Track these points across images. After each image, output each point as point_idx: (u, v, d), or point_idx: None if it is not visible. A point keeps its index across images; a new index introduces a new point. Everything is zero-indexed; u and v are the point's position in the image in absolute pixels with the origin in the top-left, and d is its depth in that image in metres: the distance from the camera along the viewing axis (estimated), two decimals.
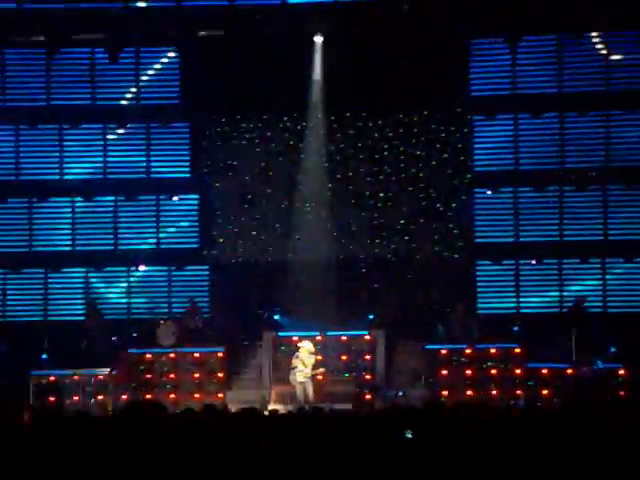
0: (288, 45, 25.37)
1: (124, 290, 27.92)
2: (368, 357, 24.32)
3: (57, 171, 27.91)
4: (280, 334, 24.52)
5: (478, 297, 27.32)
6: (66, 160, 27.86)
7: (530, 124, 27.27)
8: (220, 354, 24.42)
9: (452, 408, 11.83)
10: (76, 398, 23.71)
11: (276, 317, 25.31)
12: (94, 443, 9.83)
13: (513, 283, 27.46)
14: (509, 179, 27.41)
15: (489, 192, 27.42)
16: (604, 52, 26.78)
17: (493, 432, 10.10)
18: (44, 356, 24.69)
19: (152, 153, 27.89)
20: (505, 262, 27.38)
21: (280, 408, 20.67)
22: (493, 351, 23.92)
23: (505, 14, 25.43)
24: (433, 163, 27.14)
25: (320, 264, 26.43)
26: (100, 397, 23.72)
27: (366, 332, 24.51)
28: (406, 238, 27.11)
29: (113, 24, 25.89)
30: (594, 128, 27.14)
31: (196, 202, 27.85)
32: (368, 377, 24.18)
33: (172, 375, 24.28)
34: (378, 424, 10.67)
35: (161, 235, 27.82)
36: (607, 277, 27.17)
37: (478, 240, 27.49)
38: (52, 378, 23.98)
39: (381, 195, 27.20)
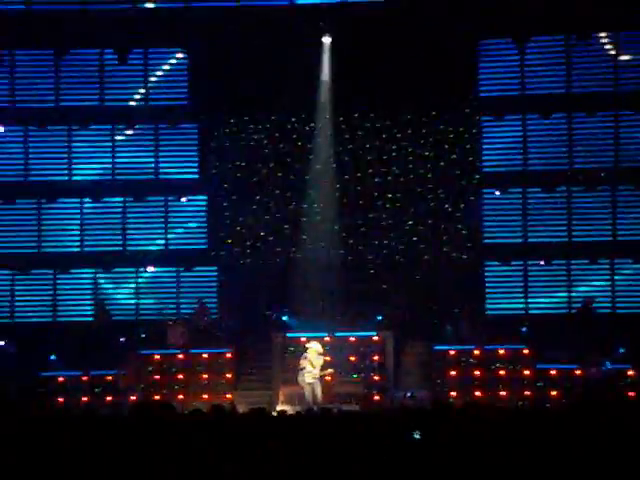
0: (296, 46, 25.35)
1: (133, 291, 27.94)
2: (376, 358, 24.31)
3: (66, 172, 27.94)
4: (288, 335, 24.51)
5: (486, 298, 27.28)
6: (75, 161, 27.90)
7: (539, 124, 27.22)
8: (228, 355, 24.43)
9: (460, 409, 11.82)
10: (85, 399, 23.75)
11: (284, 318, 25.31)
12: (103, 443, 9.85)
13: (522, 284, 27.41)
14: (518, 180, 27.37)
15: (497, 193, 27.39)
16: (613, 52, 26.73)
17: (501, 432, 10.09)
18: (53, 357, 24.73)
19: (160, 154, 27.91)
20: (514, 263, 27.34)
21: (288, 409, 20.68)
22: (502, 352, 23.90)
23: (513, 15, 25.41)
24: (441, 164, 27.12)
25: (328, 265, 26.44)
26: (109, 398, 23.76)
27: (374, 333, 24.50)
28: (414, 239, 27.08)
29: (122, 25, 25.93)
30: (603, 128, 27.09)
31: (204, 203, 27.86)
32: (376, 378, 24.16)
33: (181, 376, 24.30)
34: (386, 425, 10.66)
35: (175, 232, 27.83)
36: (616, 278, 27.11)
37: (486, 241, 27.46)
38: (61, 379, 24.04)
39: (389, 196, 27.18)
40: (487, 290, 27.41)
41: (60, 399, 23.68)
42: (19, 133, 27.83)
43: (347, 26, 25.56)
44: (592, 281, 27.09)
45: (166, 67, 27.70)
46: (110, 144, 27.90)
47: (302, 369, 22.73)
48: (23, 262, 27.75)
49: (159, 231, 27.99)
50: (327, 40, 26.14)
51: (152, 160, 27.93)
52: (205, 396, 23.90)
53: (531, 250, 27.28)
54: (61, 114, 27.56)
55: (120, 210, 27.99)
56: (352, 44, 25.63)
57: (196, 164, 27.84)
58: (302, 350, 23.26)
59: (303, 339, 23.87)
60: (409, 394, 23.26)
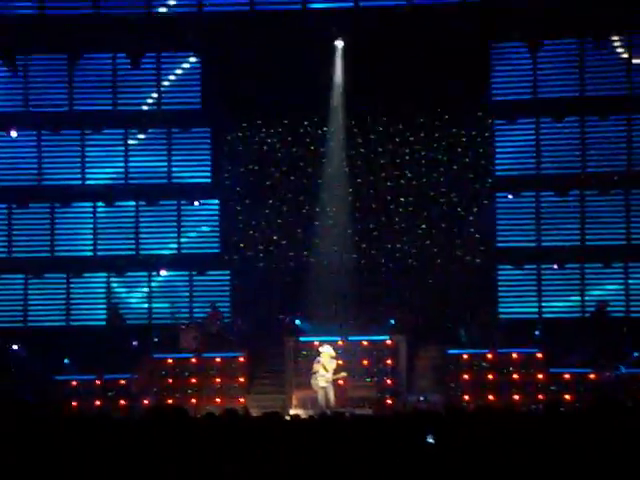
0: (309, 50, 25.36)
1: (146, 295, 27.98)
2: (389, 362, 24.29)
3: (79, 176, 28.02)
4: (301, 339, 24.51)
5: (500, 302, 27.24)
6: (88, 165, 27.98)
7: (551, 128, 27.19)
8: (241, 359, 24.45)
9: (474, 413, 11.80)
10: (98, 402, 23.79)
11: (297, 322, 25.31)
12: (116, 447, 9.86)
13: (535, 288, 27.36)
14: (530, 183, 27.34)
15: (510, 196, 27.36)
16: (626, 55, 26.68)
17: (515, 437, 10.06)
18: (66, 361, 24.79)
19: (173, 158, 27.96)
20: (527, 266, 27.29)
21: (301, 413, 20.67)
22: (515, 356, 23.86)
23: (526, 18, 25.38)
24: (454, 167, 27.11)
25: (341, 269, 26.44)
26: (122, 402, 23.80)
27: (387, 337, 24.48)
28: (427, 242, 27.07)
29: (135, 30, 25.99)
30: (616, 132, 27.04)
31: (217, 207, 27.89)
32: (389, 382, 24.15)
33: (194, 380, 24.32)
34: (399, 429, 10.64)
35: (188, 236, 27.88)
36: (629, 281, 27.05)
37: (499, 244, 27.42)
38: (74, 383, 24.09)
39: (402, 200, 27.18)
40: (500, 294, 27.37)
41: (73, 403, 23.71)
42: (33, 137, 27.92)
43: (360, 30, 25.57)
44: (606, 285, 27.03)
45: (179, 71, 27.75)
46: (123, 148, 27.97)
47: (315, 373, 22.74)
48: (36, 266, 27.82)
49: (172, 235, 28.03)
50: (340, 44, 26.16)
51: (165, 164, 27.98)
52: (218, 400, 23.92)
53: (544, 254, 27.23)
54: (74, 118, 27.64)
55: (133, 214, 28.05)
56: (365, 48, 25.63)
57: (209, 168, 27.88)
58: (315, 354, 23.26)
59: (316, 343, 23.86)
60: (422, 398, 23.23)
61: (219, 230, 27.89)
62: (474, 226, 27.10)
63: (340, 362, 23.19)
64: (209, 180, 27.84)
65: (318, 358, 22.90)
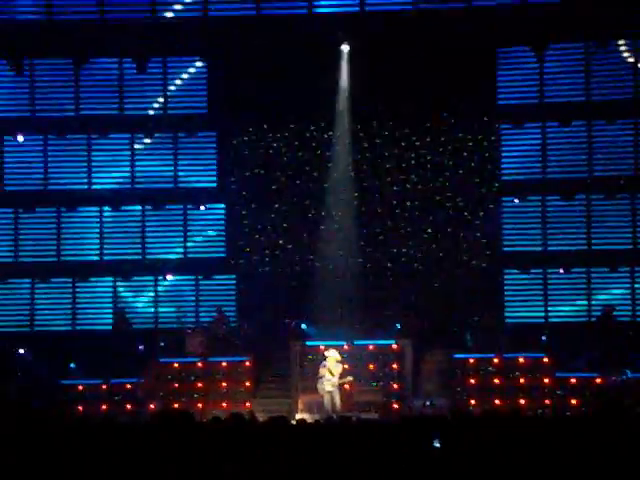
0: (315, 54, 25.37)
1: (152, 299, 28.00)
2: (395, 366, 24.26)
3: (85, 181, 28.04)
4: (307, 343, 24.50)
5: (506, 306, 27.22)
6: (94, 170, 28.00)
7: (558, 132, 27.17)
8: (247, 363, 24.44)
9: (480, 417, 11.79)
10: (104, 407, 23.80)
11: (303, 326, 25.30)
12: (122, 451, 9.87)
13: (541, 292, 27.34)
14: (537, 188, 27.32)
15: (517, 201, 27.34)
16: (632, 60, 26.66)
17: (521, 441, 10.05)
18: (72, 365, 24.80)
19: (179, 163, 27.98)
20: (533, 271, 27.27)
21: (307, 417, 20.66)
22: (521, 360, 23.83)
23: (532, 23, 25.38)
24: (460, 172, 27.09)
25: (347, 273, 26.44)
26: (128, 406, 23.82)
27: (393, 341, 24.45)
28: (433, 247, 27.05)
29: (141, 34, 26.03)
30: (622, 136, 27.02)
31: (223, 211, 27.91)
32: (395, 386, 24.12)
33: (200, 384, 24.31)
34: (406, 433, 10.64)
35: (194, 240, 27.90)
36: (636, 286, 27.01)
37: (506, 249, 27.41)
38: (80, 387, 24.10)
39: (408, 204, 27.17)
40: (506, 298, 27.34)
41: (80, 407, 23.72)
42: (39, 142, 27.95)
43: (365, 34, 25.59)
44: (612, 289, 27.00)
45: (185, 76, 27.78)
46: (129, 153, 28.00)
47: (321, 377, 22.73)
48: (43, 271, 27.85)
49: (178, 239, 28.05)
50: (345, 48, 26.18)
51: (171, 169, 28.00)
52: (224, 404, 23.91)
53: (550, 258, 27.21)
54: (80, 123, 27.66)
55: (139, 219, 28.07)
56: (370, 52, 25.63)
57: (215, 172, 27.89)
58: (321, 358, 23.25)
59: (322, 347, 23.85)
60: (428, 402, 23.22)
61: (225, 234, 27.89)
62: (480, 230, 27.08)
63: (346, 366, 23.19)
64: (215, 184, 27.85)
65: (324, 362, 22.89)
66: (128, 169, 28.02)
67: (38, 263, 27.93)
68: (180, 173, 27.97)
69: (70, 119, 27.70)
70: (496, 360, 23.89)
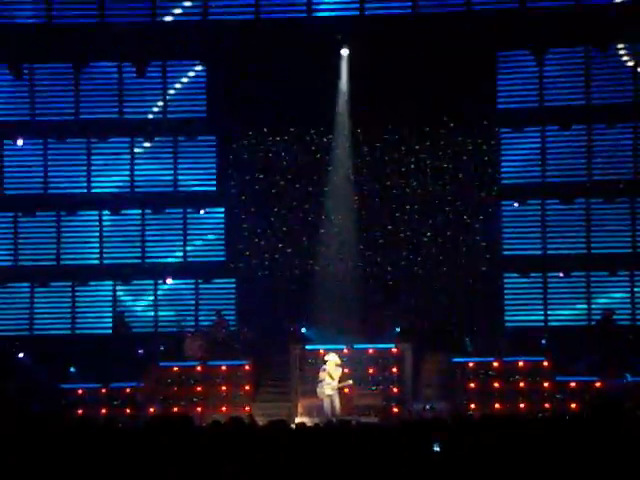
0: (314, 58, 25.39)
1: (151, 303, 27.99)
2: (395, 370, 24.25)
3: (85, 184, 28.04)
4: (307, 347, 24.49)
5: (505, 310, 27.22)
6: (94, 174, 28.01)
7: (558, 136, 27.19)
8: (247, 367, 24.43)
9: (480, 421, 11.78)
10: (104, 411, 23.78)
11: (303, 330, 25.30)
12: (121, 455, 9.86)
13: (541, 296, 27.34)
14: (536, 192, 27.32)
15: (516, 204, 27.35)
16: (631, 63, 26.67)
17: (521, 445, 10.05)
18: (72, 369, 24.80)
19: (179, 166, 27.99)
20: (532, 275, 27.27)
21: (307, 421, 20.65)
22: (521, 364, 23.81)
23: (532, 27, 25.40)
24: (460, 176, 27.10)
25: (347, 277, 26.44)
26: (128, 410, 23.81)
27: (393, 345, 24.45)
28: (433, 251, 27.05)
29: (140, 38, 26.04)
30: (622, 140, 27.03)
31: (222, 215, 27.91)
32: (395, 390, 24.11)
33: (199, 388, 24.30)
34: (405, 437, 10.63)
35: (194, 244, 27.91)
36: (635, 289, 27.02)
37: (505, 253, 27.41)
38: (80, 391, 24.09)
39: (408, 208, 27.17)
40: (506, 302, 27.34)
41: (79, 411, 23.70)
42: (39, 146, 27.95)
43: (365, 38, 25.60)
44: (612, 293, 27.00)
45: (184, 80, 27.79)
46: (129, 157, 28.00)
47: (321, 381, 22.72)
48: (42, 274, 27.84)
49: (178, 243, 28.05)
50: (345, 52, 26.19)
51: (171, 172, 28.01)
52: (224, 408, 23.88)
53: (550, 262, 27.21)
54: (80, 127, 27.67)
55: (139, 222, 28.07)
56: (370, 56, 25.64)
57: (214, 176, 27.90)
58: (321, 362, 23.24)
59: (321, 351, 23.84)
60: (428, 406, 23.20)
61: (225, 238, 27.90)
62: (480, 234, 27.09)
63: (346, 370, 23.18)
64: (215, 188, 27.85)
65: (324, 366, 22.88)
66: (128, 173, 28.02)
67: (38, 267, 27.92)
68: (180, 177, 27.97)
69: (70, 123, 27.71)
70: (496, 364, 23.88)
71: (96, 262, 28.04)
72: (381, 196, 27.21)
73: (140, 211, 27.98)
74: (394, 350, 24.39)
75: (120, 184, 28.00)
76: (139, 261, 28.00)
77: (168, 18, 26.75)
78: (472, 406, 23.55)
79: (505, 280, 27.43)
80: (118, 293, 28.02)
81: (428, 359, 24.96)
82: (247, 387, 24.30)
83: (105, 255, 28.02)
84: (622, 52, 26.66)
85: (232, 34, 26.10)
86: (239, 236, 27.50)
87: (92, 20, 26.63)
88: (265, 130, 27.31)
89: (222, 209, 27.86)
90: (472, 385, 23.82)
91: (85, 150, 27.97)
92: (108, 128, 27.64)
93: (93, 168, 28.00)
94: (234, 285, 27.84)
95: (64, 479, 9.60)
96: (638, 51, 26.63)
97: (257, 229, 27.41)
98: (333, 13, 26.36)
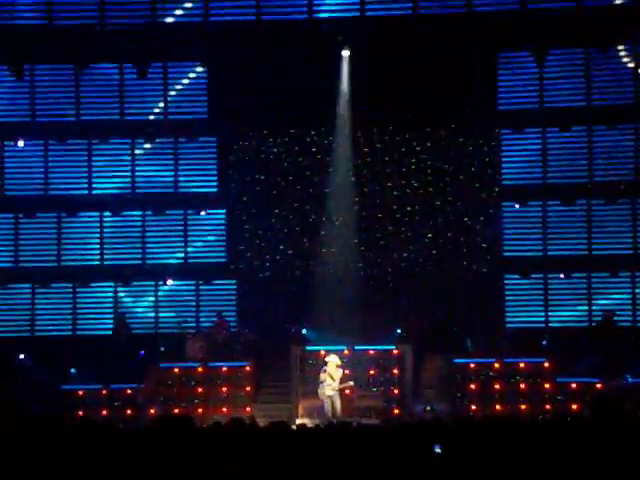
0: (315, 59, 25.39)
1: (152, 304, 28.00)
2: (396, 371, 24.25)
3: (86, 186, 28.05)
4: (307, 348, 24.49)
5: (506, 311, 27.22)
6: (95, 175, 28.00)
7: (558, 137, 27.18)
8: (248, 368, 24.43)
9: (480, 422, 11.78)
10: (104, 412, 23.79)
11: (303, 331, 25.29)
12: (122, 456, 9.86)
13: (542, 297, 27.34)
14: (537, 192, 27.33)
15: (517, 206, 27.35)
16: (631, 65, 26.67)
17: (522, 446, 10.04)
18: (73, 370, 24.80)
19: (180, 168, 28.00)
20: (533, 276, 27.27)
21: (308, 422, 20.64)
22: (522, 365, 23.82)
23: (532, 28, 25.40)
24: (461, 177, 27.10)
25: (347, 278, 26.43)
26: (128, 411, 23.81)
27: (393, 346, 24.45)
28: (434, 252, 27.05)
29: (141, 40, 26.04)
30: (623, 141, 27.03)
31: (223, 216, 27.91)
32: (396, 391, 24.11)
33: (200, 389, 24.30)
34: (406, 439, 10.63)
35: (194, 245, 27.91)
36: (637, 291, 27.01)
37: (506, 254, 27.41)
38: (80, 392, 24.09)
39: (408, 209, 27.17)
40: (507, 303, 27.35)
41: (80, 412, 23.71)
42: (39, 147, 27.96)
43: (366, 39, 25.60)
44: (612, 294, 26.99)
45: (185, 81, 27.79)
46: (129, 158, 28.00)
47: (322, 382, 22.72)
48: (43, 276, 27.84)
49: (178, 244, 28.05)
50: (346, 53, 26.19)
51: (171, 174, 28.01)
52: (224, 409, 23.89)
53: (551, 263, 27.21)
54: (81, 128, 27.68)
55: (139, 224, 28.07)
56: (371, 57, 25.65)
57: (215, 178, 27.90)
58: (321, 363, 23.24)
59: (322, 352, 23.85)
60: (429, 407, 23.20)
61: (225, 239, 27.90)
62: (480, 235, 27.09)
63: (347, 371, 23.18)
64: (215, 189, 27.86)
65: (325, 367, 22.88)
66: (128, 174, 28.02)
67: (38, 268, 27.93)
68: (180, 178, 27.97)
69: (71, 124, 27.71)
70: (497, 365, 23.88)
71: (97, 263, 28.04)
72: (382, 197, 27.21)
73: (141, 212, 27.99)
74: (395, 351, 24.39)
75: (121, 185, 28.00)
76: (140, 262, 28.00)
77: (169, 19, 26.76)
78: (473, 407, 23.55)
79: (506, 281, 27.44)
80: (119, 294, 28.03)
81: (429, 360, 24.94)
82: (248, 388, 24.30)
83: (106, 256, 28.02)
84: (622, 53, 26.65)
85: (233, 35, 26.11)
86: (240, 237, 27.50)
87: (93, 21, 26.63)
88: (266, 131, 27.32)
89: (223, 210, 27.86)
90: (473, 386, 23.82)
91: (86, 151, 27.97)
92: (109, 129, 27.64)
93: (94, 169, 28.00)
94: (235, 286, 27.84)
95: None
96: (638, 52, 26.62)
97: (258, 230, 27.41)
98: (334, 14, 26.36)
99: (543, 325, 27.02)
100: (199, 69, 27.62)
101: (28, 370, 25.15)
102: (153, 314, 27.97)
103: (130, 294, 28.05)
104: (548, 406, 23.35)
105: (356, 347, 24.21)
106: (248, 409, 23.77)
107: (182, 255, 27.98)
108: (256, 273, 27.36)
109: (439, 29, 25.41)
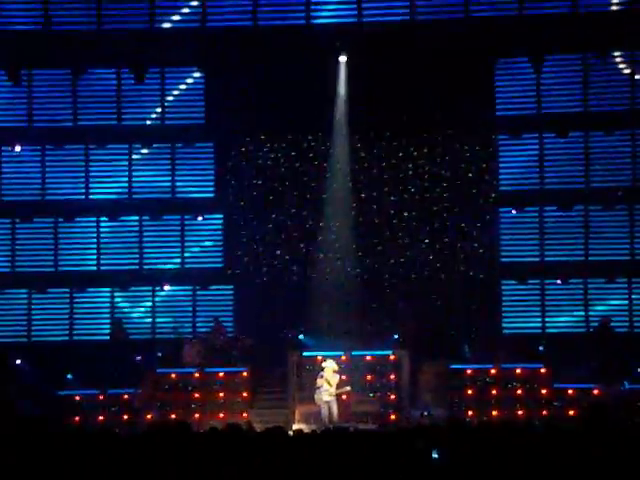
0: (312, 65, 25.41)
1: (149, 309, 27.98)
2: (392, 377, 24.24)
3: (83, 191, 28.02)
4: (304, 354, 24.47)
5: (503, 317, 27.22)
6: (92, 180, 27.98)
7: (555, 143, 27.20)
8: (244, 373, 24.42)
9: (477, 428, 11.78)
10: (101, 417, 23.77)
11: (300, 337, 25.29)
12: (119, 462, 9.85)
13: (538, 303, 27.34)
14: (534, 198, 27.34)
15: (514, 211, 27.36)
16: (629, 71, 26.72)
17: (518, 452, 10.04)
18: (69, 376, 24.78)
19: (177, 173, 27.99)
20: (530, 281, 27.27)
21: (304, 428, 20.64)
22: (519, 371, 23.82)
23: (530, 34, 25.44)
24: (458, 182, 27.11)
25: (344, 283, 26.43)
26: (125, 417, 23.80)
27: (390, 352, 24.44)
28: (431, 257, 27.05)
29: (139, 45, 26.06)
30: (620, 147, 27.06)
31: (220, 222, 27.91)
32: (392, 397, 24.10)
33: (197, 394, 24.28)
34: (403, 444, 10.62)
35: (192, 251, 27.91)
36: (633, 297, 27.01)
37: (503, 259, 27.41)
38: (77, 397, 24.07)
39: (405, 214, 27.18)
40: (504, 309, 27.34)
41: (77, 418, 23.70)
42: (36, 152, 27.95)
43: (363, 45, 25.62)
44: (609, 300, 27.00)
45: (182, 86, 27.80)
46: (127, 163, 28.00)
47: (319, 388, 22.70)
48: (40, 281, 27.82)
49: (175, 250, 28.04)
50: (343, 59, 26.22)
51: (169, 179, 28.01)
52: (221, 415, 23.88)
53: (548, 269, 27.22)
54: (78, 133, 27.68)
55: (137, 229, 28.06)
56: (368, 63, 25.67)
57: (212, 183, 27.90)
58: (318, 369, 23.23)
59: (319, 358, 23.83)
60: (426, 413, 23.19)
61: (222, 245, 27.89)
62: (477, 241, 27.09)
63: (343, 377, 23.16)
64: (212, 195, 27.85)
65: (321, 373, 22.87)
66: (126, 179, 28.01)
67: (35, 273, 27.90)
68: (178, 183, 27.96)
69: (68, 129, 27.71)
70: (493, 371, 23.88)
71: (94, 269, 28.02)
72: (379, 203, 27.21)
73: (138, 217, 27.97)
74: (392, 357, 24.37)
75: (118, 190, 27.99)
76: (137, 267, 27.98)
77: (166, 25, 26.77)
78: (470, 413, 23.54)
79: (503, 287, 27.44)
80: (116, 300, 28.00)
81: (426, 366, 24.93)
82: (245, 394, 24.28)
83: (103, 262, 28.00)
84: (620, 59, 26.70)
85: (230, 41, 26.12)
86: (237, 242, 27.49)
87: (90, 26, 26.64)
88: (263, 137, 27.32)
89: (220, 215, 27.85)
90: (470, 392, 23.82)
91: (83, 156, 27.96)
92: (106, 134, 27.64)
93: (91, 174, 27.98)
94: (232, 292, 27.82)
95: None
96: (635, 59, 26.66)
97: (255, 235, 27.41)
98: (331, 20, 26.39)
99: (540, 331, 27.02)
100: (196, 74, 27.64)
101: (25, 375, 25.12)
102: (150, 319, 27.95)
103: (127, 299, 28.04)
104: (545, 412, 23.34)
105: (353, 353, 24.20)
106: (245, 415, 23.76)
107: (179, 260, 27.97)
108: (253, 278, 27.34)
109: (437, 35, 25.43)
